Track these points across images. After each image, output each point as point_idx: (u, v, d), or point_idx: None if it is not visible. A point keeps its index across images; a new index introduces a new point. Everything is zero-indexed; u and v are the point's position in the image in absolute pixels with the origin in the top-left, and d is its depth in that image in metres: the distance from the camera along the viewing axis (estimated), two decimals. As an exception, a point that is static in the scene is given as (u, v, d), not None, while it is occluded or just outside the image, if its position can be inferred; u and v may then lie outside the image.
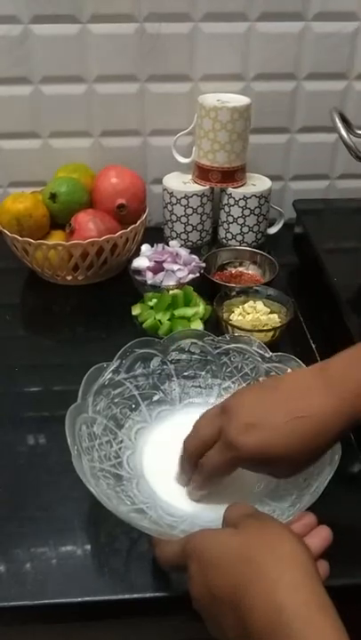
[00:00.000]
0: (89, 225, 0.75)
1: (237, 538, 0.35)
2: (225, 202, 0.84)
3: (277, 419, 0.41)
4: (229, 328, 0.66)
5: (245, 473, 0.44)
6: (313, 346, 0.68)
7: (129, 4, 0.77)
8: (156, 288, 0.71)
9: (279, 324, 0.66)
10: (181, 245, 0.79)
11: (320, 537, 0.39)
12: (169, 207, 0.85)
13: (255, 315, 0.68)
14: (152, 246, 0.77)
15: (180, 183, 0.85)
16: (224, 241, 0.87)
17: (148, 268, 0.73)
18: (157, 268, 0.73)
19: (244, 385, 0.56)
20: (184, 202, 0.83)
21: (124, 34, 0.79)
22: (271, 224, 0.89)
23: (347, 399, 0.40)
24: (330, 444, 0.42)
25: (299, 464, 0.42)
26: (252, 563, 0.33)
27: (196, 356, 0.57)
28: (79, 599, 0.43)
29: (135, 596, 0.43)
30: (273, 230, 0.89)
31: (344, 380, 0.41)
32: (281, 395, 0.42)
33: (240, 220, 0.84)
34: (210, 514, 0.45)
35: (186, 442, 0.46)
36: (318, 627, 0.30)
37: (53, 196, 0.77)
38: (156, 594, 0.43)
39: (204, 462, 0.44)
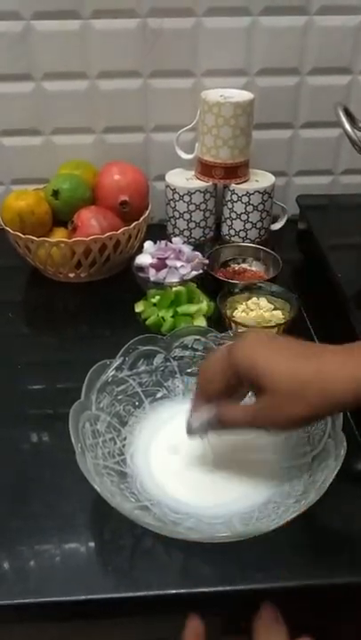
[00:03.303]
0: (91, 222, 0.74)
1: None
2: (228, 198, 0.84)
3: (279, 343, 0.42)
4: (233, 325, 0.66)
5: (256, 465, 0.44)
6: (317, 342, 0.68)
7: (131, -1, 0.77)
8: (159, 285, 0.71)
9: (283, 321, 0.66)
10: (184, 242, 0.79)
11: None
12: (172, 204, 0.84)
13: (259, 311, 0.68)
14: (155, 243, 0.77)
15: (183, 179, 0.84)
16: (227, 237, 0.87)
17: (151, 265, 0.73)
18: (160, 264, 0.73)
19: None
20: (187, 198, 0.83)
21: (127, 29, 0.79)
22: (275, 220, 0.88)
23: None
24: (330, 401, 0.38)
25: (284, 397, 0.39)
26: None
27: (199, 353, 0.57)
28: (83, 597, 0.43)
29: (139, 593, 0.43)
30: (276, 226, 0.88)
31: None
32: (292, 342, 0.42)
33: (243, 217, 0.84)
34: (216, 510, 0.45)
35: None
36: None
37: (56, 193, 0.76)
38: (161, 591, 0.43)
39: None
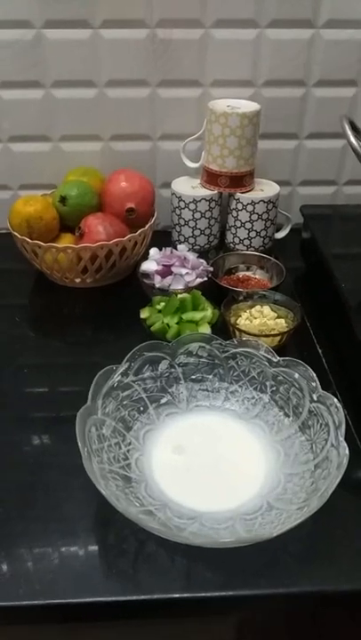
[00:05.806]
0: (98, 228, 0.75)
1: None
2: (233, 206, 0.85)
3: None
4: (237, 332, 0.66)
5: (259, 472, 0.44)
6: (320, 351, 0.69)
7: (141, 9, 0.78)
8: (164, 292, 0.72)
9: (286, 329, 0.67)
10: (189, 249, 0.80)
11: None
12: (177, 211, 0.85)
13: (262, 319, 0.69)
14: (160, 250, 0.78)
15: (189, 187, 0.85)
16: (231, 245, 0.88)
17: (157, 272, 0.74)
18: (165, 271, 0.74)
19: (251, 389, 0.57)
20: (192, 206, 0.83)
21: (136, 39, 0.80)
22: (279, 229, 0.89)
23: None
24: None
25: None
26: None
27: (203, 360, 0.58)
28: (87, 599, 0.43)
29: (143, 597, 0.43)
30: (280, 235, 0.89)
31: None
32: None
33: (248, 225, 0.85)
34: (219, 516, 0.46)
35: None
36: None
37: (63, 199, 0.77)
38: (163, 595, 0.43)
39: None
